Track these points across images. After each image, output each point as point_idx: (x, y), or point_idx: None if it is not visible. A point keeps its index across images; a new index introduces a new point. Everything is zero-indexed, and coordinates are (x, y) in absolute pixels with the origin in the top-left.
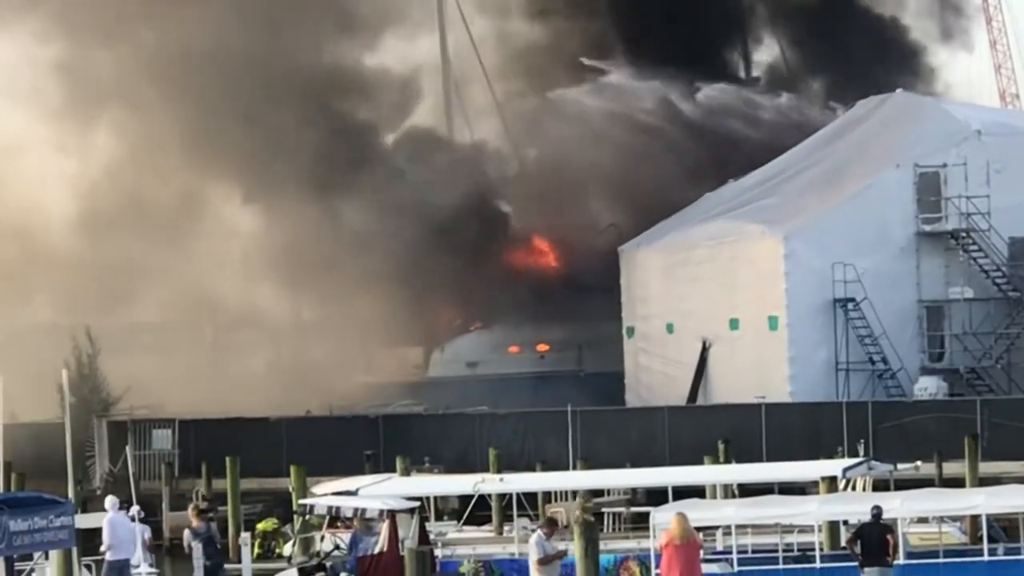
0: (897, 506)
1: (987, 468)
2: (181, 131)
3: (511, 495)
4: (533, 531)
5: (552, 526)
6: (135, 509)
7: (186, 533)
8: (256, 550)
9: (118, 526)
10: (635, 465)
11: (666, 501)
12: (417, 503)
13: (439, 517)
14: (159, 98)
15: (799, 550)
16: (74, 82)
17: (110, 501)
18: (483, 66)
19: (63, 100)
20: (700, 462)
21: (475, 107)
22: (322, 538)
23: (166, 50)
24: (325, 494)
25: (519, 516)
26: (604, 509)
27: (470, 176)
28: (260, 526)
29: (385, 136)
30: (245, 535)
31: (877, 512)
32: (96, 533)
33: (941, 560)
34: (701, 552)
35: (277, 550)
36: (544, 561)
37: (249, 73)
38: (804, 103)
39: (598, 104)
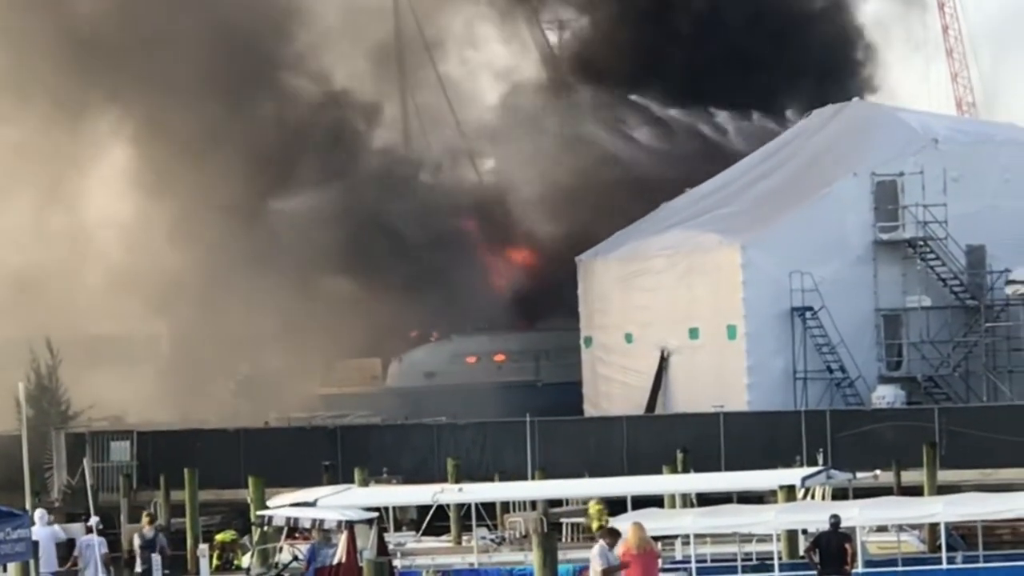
0: (856, 515)
1: (945, 476)
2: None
3: (470, 505)
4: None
5: (614, 536)
6: (94, 520)
7: (135, 537)
8: (214, 561)
9: (42, 540)
10: (593, 475)
11: (625, 511)
12: (375, 514)
13: (398, 527)
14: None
15: (758, 559)
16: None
17: (39, 514)
18: (437, 71)
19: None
20: (659, 471)
21: (432, 118)
22: (280, 549)
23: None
24: (283, 505)
25: (478, 526)
26: (563, 519)
27: (429, 185)
28: (219, 537)
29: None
30: (203, 546)
31: (835, 521)
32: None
33: (900, 568)
34: (659, 561)
35: (235, 561)
36: (608, 572)
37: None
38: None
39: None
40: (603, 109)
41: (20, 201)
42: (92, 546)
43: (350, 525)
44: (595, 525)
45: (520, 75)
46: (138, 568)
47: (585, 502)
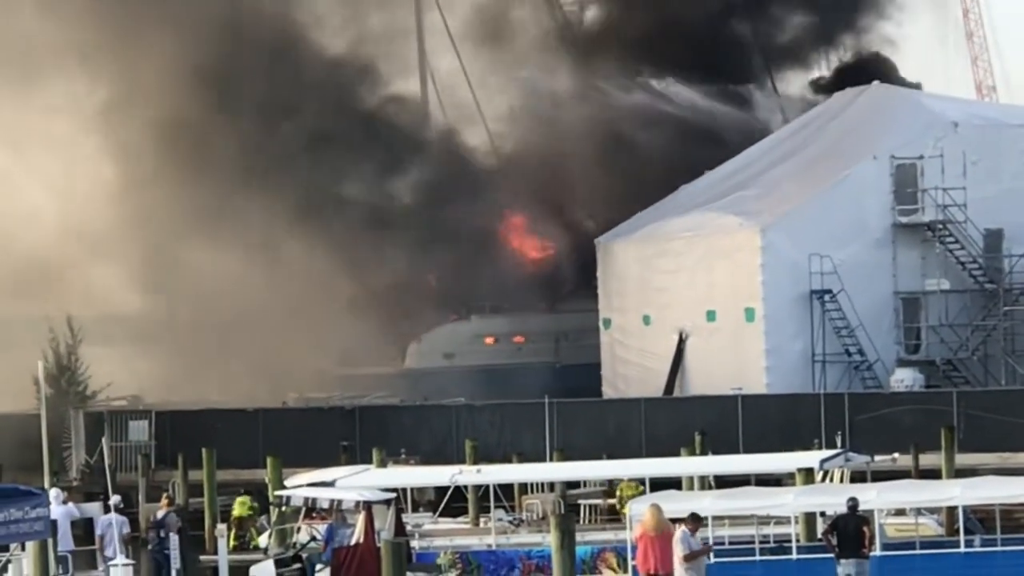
0: (873, 498)
1: (963, 460)
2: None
3: (488, 486)
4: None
5: (697, 522)
6: (115, 499)
7: (150, 519)
8: (232, 541)
9: (59, 520)
10: (611, 457)
11: (643, 492)
12: (393, 494)
13: (415, 509)
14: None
15: (775, 541)
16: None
17: (53, 493)
18: (456, 49)
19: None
20: (676, 454)
21: (451, 96)
22: (298, 529)
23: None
24: (301, 485)
25: (495, 507)
26: (580, 501)
27: (448, 163)
28: (236, 509)
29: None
30: (221, 526)
31: (853, 504)
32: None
33: (917, 552)
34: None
35: (252, 541)
36: (690, 557)
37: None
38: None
39: (572, 94)
40: (624, 85)
41: (36, 182)
42: (112, 525)
43: (368, 506)
44: (621, 507)
45: (540, 53)
46: (149, 547)
47: (603, 484)
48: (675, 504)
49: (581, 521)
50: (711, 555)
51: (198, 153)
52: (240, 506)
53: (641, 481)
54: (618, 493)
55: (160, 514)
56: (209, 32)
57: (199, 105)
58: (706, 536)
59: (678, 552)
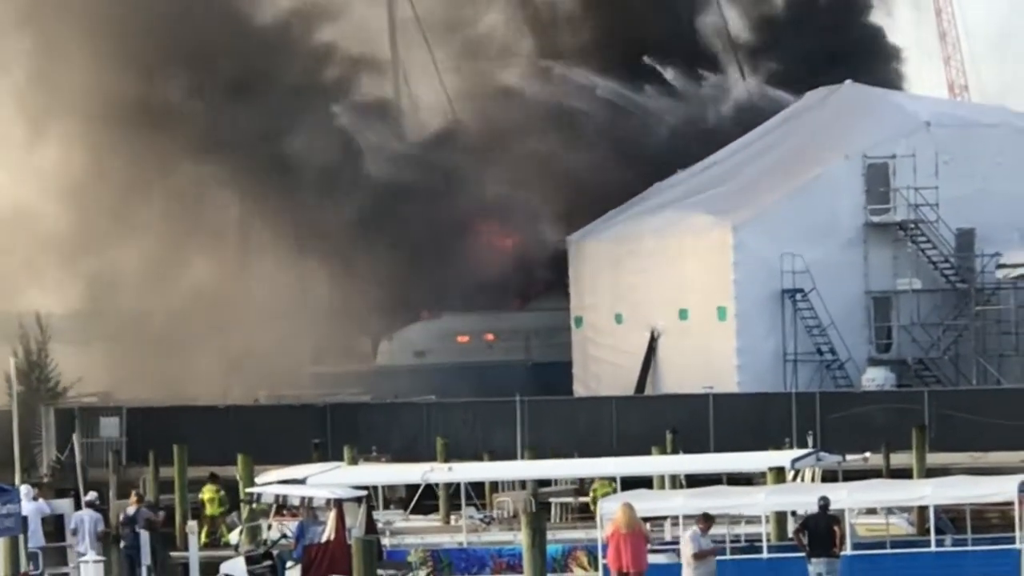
0: (844, 497)
1: (935, 459)
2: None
3: (459, 484)
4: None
5: (708, 521)
6: (92, 495)
7: (121, 515)
8: (203, 538)
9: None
10: (583, 455)
11: (614, 491)
12: (364, 492)
13: (386, 506)
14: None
15: (746, 541)
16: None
17: (24, 490)
18: (429, 45)
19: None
20: (648, 452)
21: (422, 95)
22: (269, 526)
23: None
24: (272, 482)
25: (467, 505)
26: (552, 499)
27: (418, 161)
28: (204, 494)
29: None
30: (192, 523)
31: (824, 503)
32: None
33: (888, 551)
34: (648, 542)
35: (223, 539)
36: (699, 556)
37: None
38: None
39: (541, 92)
40: (592, 82)
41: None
42: (84, 520)
43: (339, 503)
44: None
45: (510, 49)
46: (121, 544)
47: (574, 482)
48: (646, 503)
49: (552, 519)
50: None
51: (169, 143)
52: (208, 493)
53: (612, 480)
54: (591, 492)
55: (131, 510)
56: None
57: (171, 93)
58: (719, 535)
59: (687, 551)
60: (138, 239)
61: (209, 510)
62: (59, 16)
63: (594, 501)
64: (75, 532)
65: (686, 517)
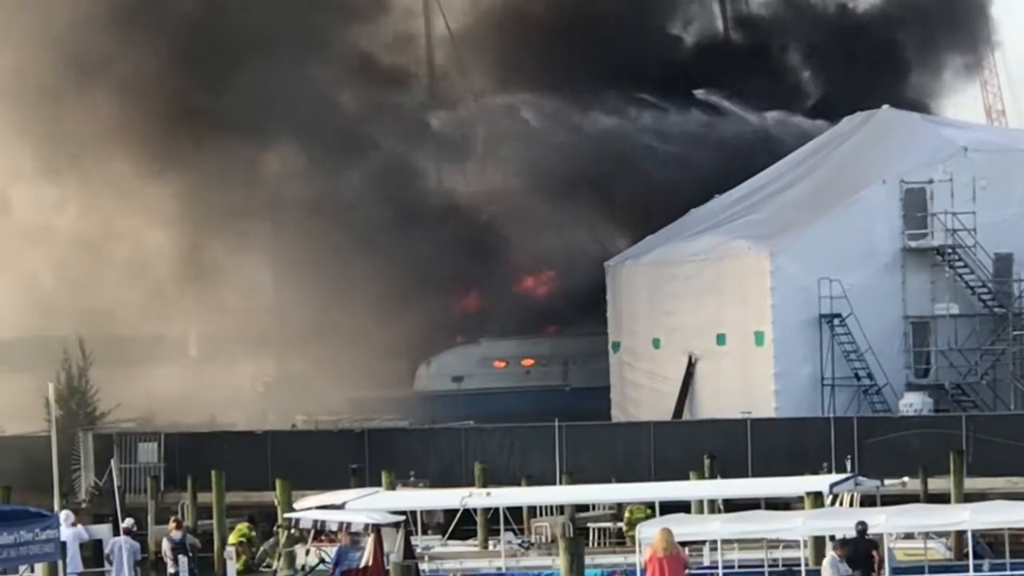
0: (883, 522)
1: (972, 484)
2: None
3: (497, 509)
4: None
5: (845, 548)
6: (128, 521)
7: (164, 540)
8: (240, 565)
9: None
10: (620, 480)
11: (653, 516)
12: (402, 517)
13: (424, 531)
14: None
15: (784, 565)
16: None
17: (63, 515)
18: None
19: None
20: (686, 477)
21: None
22: (307, 552)
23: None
24: (310, 508)
25: (505, 530)
26: (590, 524)
27: (452, 191)
28: (237, 530)
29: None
30: (230, 548)
31: (862, 528)
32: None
33: None
34: (687, 567)
35: (268, 560)
36: None
37: None
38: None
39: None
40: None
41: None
42: (121, 547)
43: (377, 528)
44: (629, 529)
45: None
46: (170, 569)
47: (614, 507)
48: (684, 527)
49: (590, 544)
50: None
51: (200, 158)
52: (241, 527)
53: (650, 505)
54: (626, 515)
55: (176, 535)
56: None
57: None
58: (758, 559)
59: None
60: (174, 263)
61: (235, 536)
62: None
63: (629, 525)
64: (109, 555)
65: (724, 542)
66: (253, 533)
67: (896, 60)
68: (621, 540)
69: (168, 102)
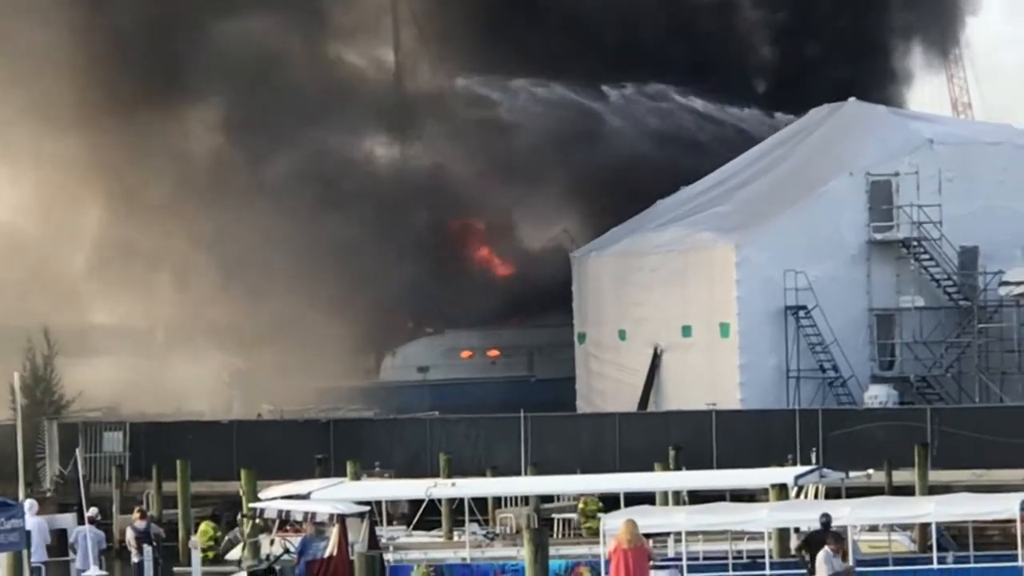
0: (847, 514)
1: (937, 477)
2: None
3: (462, 500)
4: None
5: (839, 542)
6: (93, 511)
7: (128, 529)
8: (207, 552)
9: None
10: (586, 471)
11: (617, 507)
12: (367, 507)
13: (389, 522)
14: None
15: (749, 557)
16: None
17: (27, 504)
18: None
19: None
20: (651, 468)
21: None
22: (272, 542)
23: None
24: (275, 498)
25: (470, 521)
26: (555, 515)
27: (421, 180)
28: (200, 529)
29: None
30: (195, 538)
31: (826, 520)
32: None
33: (891, 568)
34: (651, 559)
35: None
36: None
37: None
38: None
39: (548, 108)
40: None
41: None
42: (86, 536)
43: (342, 518)
44: (584, 521)
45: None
46: (134, 559)
47: (577, 498)
48: (649, 519)
49: (555, 535)
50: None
51: (170, 160)
52: (205, 526)
53: (615, 496)
54: (580, 507)
55: (141, 525)
56: None
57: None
58: (722, 551)
59: (822, 573)
60: (143, 259)
61: (201, 543)
62: None
63: (584, 516)
64: (73, 544)
65: (689, 534)
66: (219, 533)
67: (863, 53)
68: (592, 531)
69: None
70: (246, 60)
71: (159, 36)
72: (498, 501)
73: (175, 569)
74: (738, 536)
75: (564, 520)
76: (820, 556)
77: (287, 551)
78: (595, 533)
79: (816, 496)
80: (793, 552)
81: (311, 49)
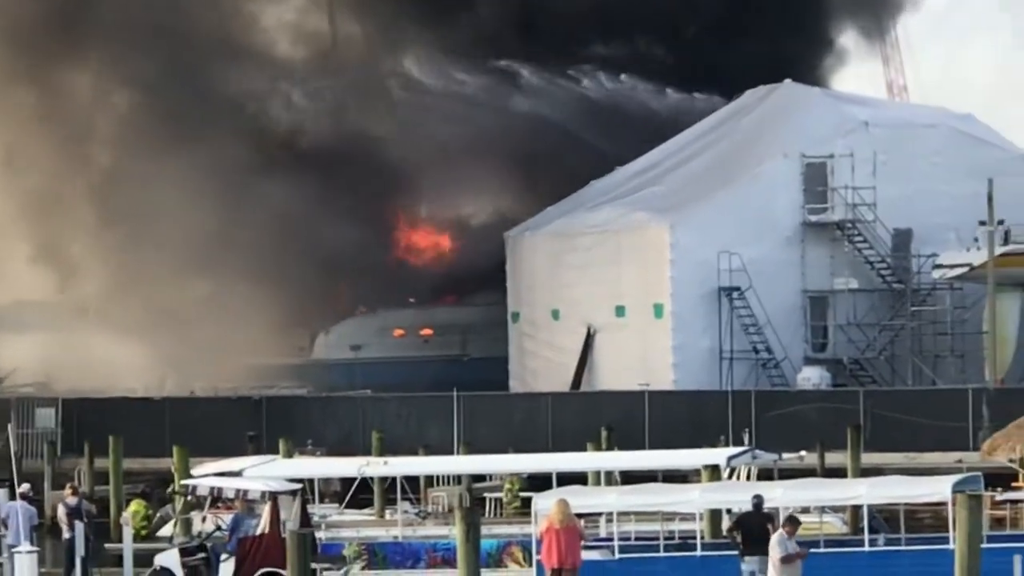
0: (779, 495)
1: (869, 459)
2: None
3: (394, 479)
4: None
5: (794, 524)
6: (25, 486)
7: (59, 506)
8: (139, 530)
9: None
10: (518, 450)
11: (549, 487)
12: (299, 485)
13: (321, 500)
14: None
15: (680, 538)
16: None
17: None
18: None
19: None
20: (583, 448)
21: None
22: (204, 519)
23: None
24: (208, 475)
25: (402, 500)
26: (486, 494)
27: (355, 157)
28: (131, 508)
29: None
30: (126, 514)
31: (758, 501)
32: None
33: (822, 550)
34: (583, 538)
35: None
36: (786, 560)
37: None
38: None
39: (480, 90)
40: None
41: None
42: (18, 512)
43: (274, 496)
44: (511, 501)
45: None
46: (66, 535)
47: (504, 478)
48: (580, 499)
49: (487, 515)
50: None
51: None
52: (136, 504)
53: (547, 476)
54: (506, 487)
55: (72, 501)
56: None
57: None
58: (653, 532)
59: (775, 555)
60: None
61: (133, 509)
62: None
63: (509, 495)
64: (5, 520)
65: (621, 514)
66: (150, 511)
67: (799, 34)
68: (517, 510)
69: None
70: (161, 18)
71: None
72: (430, 480)
73: (107, 546)
74: (670, 517)
75: (496, 500)
76: (774, 538)
77: (219, 528)
78: (519, 513)
79: (748, 478)
80: (725, 533)
81: (245, 12)
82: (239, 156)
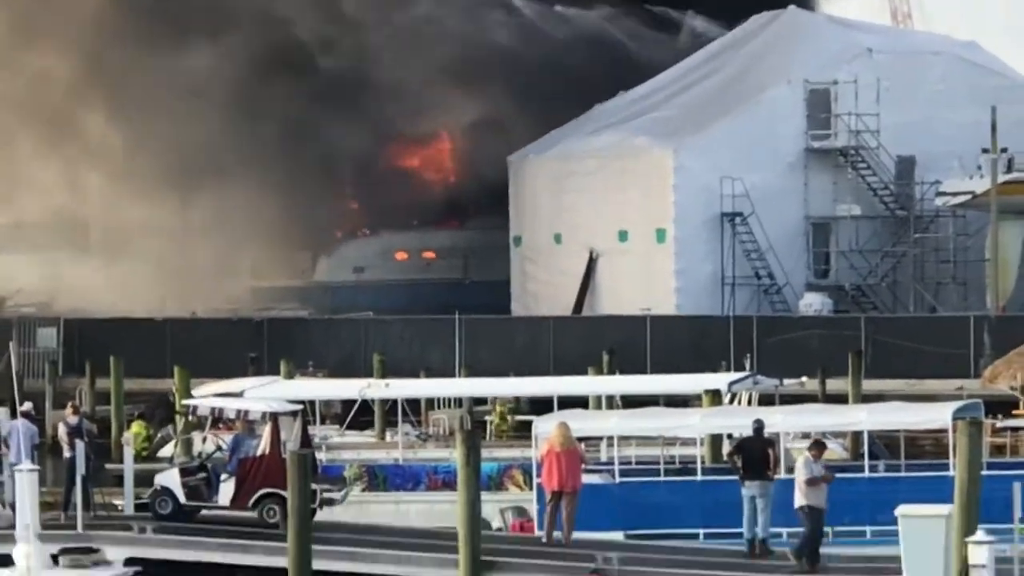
0: (779, 421)
1: (870, 386)
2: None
3: (395, 401)
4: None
5: (820, 448)
6: (27, 405)
7: (60, 425)
8: (140, 451)
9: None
10: (519, 374)
11: (550, 411)
12: (300, 407)
13: (322, 421)
14: None
15: (681, 462)
16: None
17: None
18: None
19: None
20: (584, 373)
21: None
22: (204, 439)
23: None
24: (209, 395)
25: (402, 422)
26: (487, 418)
27: (360, 83)
28: (132, 429)
29: None
30: (127, 434)
31: (758, 426)
32: None
33: None
34: (583, 462)
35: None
36: (811, 483)
37: None
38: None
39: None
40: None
41: None
42: (17, 430)
43: (274, 416)
44: (499, 423)
45: None
46: (66, 454)
47: (509, 401)
48: (582, 423)
49: (487, 437)
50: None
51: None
52: (136, 426)
53: (548, 399)
54: (497, 409)
55: (73, 420)
56: None
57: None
58: (654, 456)
59: (800, 477)
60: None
61: (134, 445)
62: None
63: (500, 418)
64: (6, 438)
65: (621, 438)
66: (151, 432)
67: None
68: (518, 434)
69: None
70: None
71: None
72: (431, 403)
73: (107, 466)
74: (671, 441)
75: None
76: (799, 461)
77: (219, 448)
78: (513, 436)
79: (749, 403)
80: (725, 458)
81: None
82: (246, 60)
